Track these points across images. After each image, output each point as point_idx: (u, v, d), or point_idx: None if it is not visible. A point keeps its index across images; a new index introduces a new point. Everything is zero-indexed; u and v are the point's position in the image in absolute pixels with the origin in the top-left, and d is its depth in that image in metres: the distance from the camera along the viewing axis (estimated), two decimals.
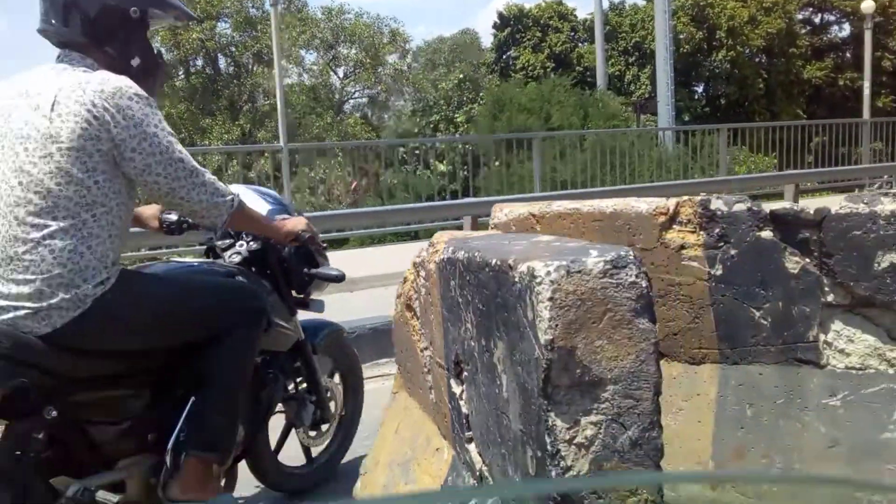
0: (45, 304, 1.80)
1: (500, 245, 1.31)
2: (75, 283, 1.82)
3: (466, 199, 8.97)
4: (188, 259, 2.78)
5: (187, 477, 1.98)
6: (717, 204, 2.13)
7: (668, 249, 2.17)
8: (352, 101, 25.12)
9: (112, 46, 1.96)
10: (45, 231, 1.80)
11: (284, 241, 2.26)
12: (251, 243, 2.37)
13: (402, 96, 25.07)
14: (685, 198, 2.20)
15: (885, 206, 1.97)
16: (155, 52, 2.10)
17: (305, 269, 2.44)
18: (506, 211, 2.35)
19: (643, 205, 2.21)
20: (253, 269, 2.37)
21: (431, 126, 22.58)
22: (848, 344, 2.03)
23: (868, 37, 13.19)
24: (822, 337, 2.05)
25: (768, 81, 24.23)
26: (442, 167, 15.65)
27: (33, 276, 1.79)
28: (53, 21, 1.93)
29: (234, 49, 23.80)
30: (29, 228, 1.80)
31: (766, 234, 2.08)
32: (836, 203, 2.02)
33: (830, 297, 2.04)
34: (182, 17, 2.16)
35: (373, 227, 9.31)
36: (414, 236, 10.68)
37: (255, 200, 2.37)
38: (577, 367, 1.04)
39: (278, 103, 7.88)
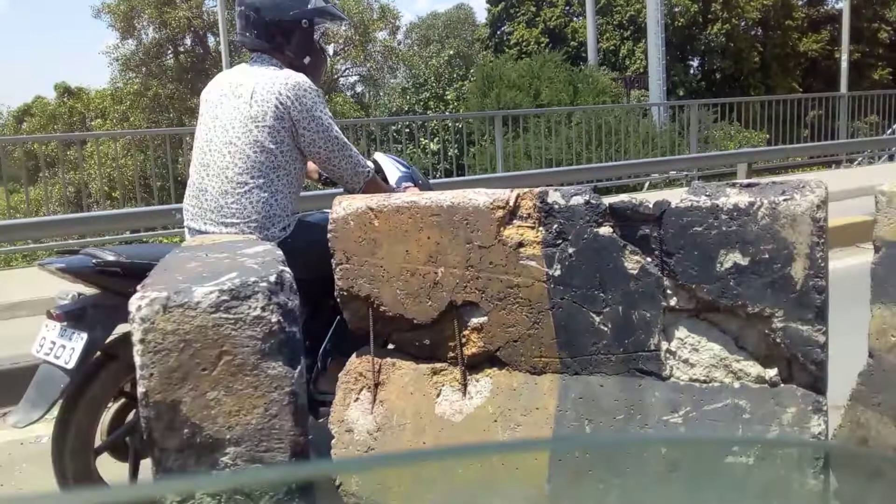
0: None
1: (181, 261, 1.10)
2: (266, 226, 2.43)
3: (453, 179, 8.73)
4: None
5: (332, 375, 2.44)
6: (554, 197, 1.92)
7: (506, 247, 1.96)
8: (342, 79, 24.77)
9: (290, 50, 2.54)
10: (246, 187, 2.41)
11: None
12: None
13: (393, 73, 24.70)
14: (525, 189, 1.98)
15: (729, 198, 1.75)
16: (319, 49, 2.65)
17: None
18: (344, 204, 2.14)
19: (482, 197, 1.99)
20: None
21: (422, 104, 22.26)
22: (692, 353, 1.82)
23: (846, 10, 12.76)
24: (664, 345, 1.84)
25: (764, 55, 23.75)
26: (433, 146, 15.38)
27: (237, 221, 2.42)
28: (247, 34, 2.54)
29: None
30: (234, 185, 2.41)
31: (605, 230, 1.87)
32: (678, 195, 1.81)
33: (673, 301, 1.83)
34: (336, 19, 2.68)
35: None
36: None
37: (390, 166, 2.85)
38: (185, 425, 0.83)
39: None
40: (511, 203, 1.97)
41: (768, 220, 1.70)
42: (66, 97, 22.27)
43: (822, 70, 24.04)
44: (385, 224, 2.08)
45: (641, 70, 24.47)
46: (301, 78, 2.45)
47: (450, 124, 14.20)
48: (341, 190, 2.71)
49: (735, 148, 14.48)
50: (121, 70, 21.61)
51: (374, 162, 2.81)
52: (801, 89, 22.91)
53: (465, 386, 2.05)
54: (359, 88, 25.55)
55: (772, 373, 1.74)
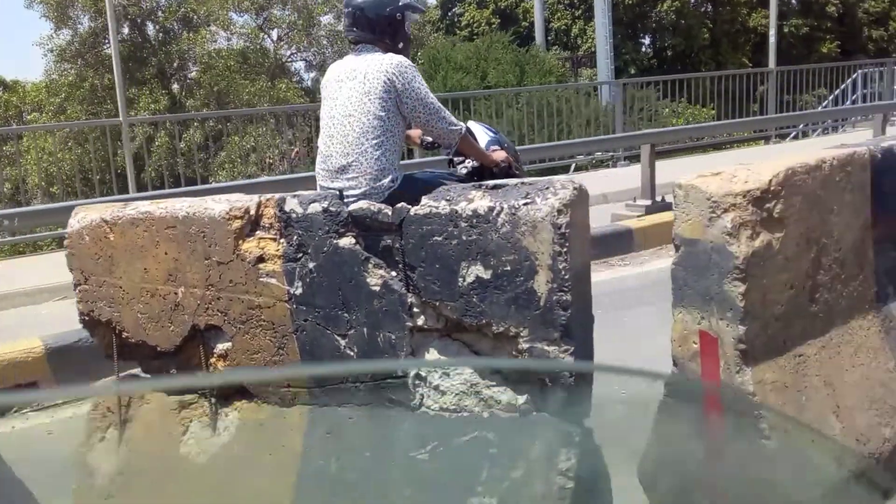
0: (361, 192, 2.87)
1: None
2: (379, 178, 2.90)
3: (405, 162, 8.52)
4: (437, 170, 3.80)
5: None
6: (291, 204, 1.67)
7: (245, 263, 1.71)
8: (289, 64, 24.22)
9: (388, 38, 3.02)
10: (362, 148, 2.90)
11: (489, 165, 3.23)
12: (472, 162, 3.29)
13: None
14: (268, 196, 1.74)
15: (469, 203, 1.52)
16: (408, 35, 3.14)
17: None
18: (79, 217, 1.88)
19: (219, 206, 1.74)
20: (474, 178, 3.21)
21: None
22: (443, 379, 1.60)
23: None
24: (413, 371, 1.61)
25: (714, 31, 23.68)
26: None
27: (357, 175, 2.91)
28: (354, 29, 3.02)
29: (161, 14, 22.79)
30: (353, 147, 2.91)
31: (347, 241, 1.63)
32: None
33: (420, 321, 1.60)
34: (418, 10, 3.25)
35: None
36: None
37: (480, 131, 3.33)
38: None
39: (116, 75, 7.27)
40: (252, 212, 1.72)
41: (509, 228, 1.47)
42: (0, 91, 21.53)
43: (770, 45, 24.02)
44: (121, 238, 1.82)
45: (593, 49, 24.27)
46: (401, 58, 2.99)
47: None
48: (441, 157, 3.33)
49: (682, 124, 14.37)
50: (56, 61, 20.89)
51: (467, 128, 3.27)
52: (750, 64, 22.87)
53: (214, 421, 1.80)
54: (307, 74, 25.04)
55: (521, 400, 1.52)
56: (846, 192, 2.01)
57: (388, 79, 2.92)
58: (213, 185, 9.75)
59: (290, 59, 23.54)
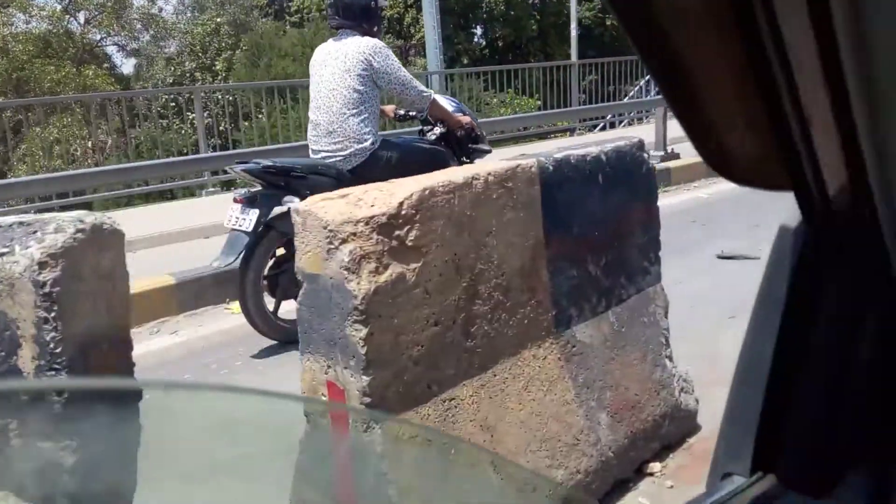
0: (347, 153, 3.63)
1: None
2: (361, 141, 3.61)
3: (224, 153, 7.91)
4: (411, 136, 4.26)
5: None
6: None
7: None
8: (99, 49, 22.39)
9: (366, 23, 3.72)
10: (344, 116, 3.60)
11: (456, 127, 3.97)
12: (440, 129, 3.98)
13: (157, 44, 22.62)
14: None
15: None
16: (381, 20, 3.88)
17: (470, 144, 4.06)
18: None
19: None
20: (442, 143, 4.01)
21: (188, 75, 20.74)
22: None
23: None
24: None
25: (541, 23, 24.29)
26: (201, 120, 14.21)
27: (342, 139, 3.62)
28: (336, 17, 3.72)
29: None
30: (337, 116, 3.61)
31: None
32: None
33: None
34: None
35: (118, 187, 8.21)
36: (170, 196, 9.74)
37: (445, 102, 4.01)
38: None
39: None
40: None
41: None
42: None
43: (596, 38, 25.02)
44: None
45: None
46: (376, 41, 3.61)
47: (220, 97, 13.13)
48: (417, 127, 4.21)
49: (509, 114, 14.55)
50: None
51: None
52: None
53: None
54: (123, 60, 23.30)
55: None
56: (508, 211, 1.79)
57: (366, 58, 3.52)
58: (12, 180, 8.72)
59: (99, 44, 21.75)
